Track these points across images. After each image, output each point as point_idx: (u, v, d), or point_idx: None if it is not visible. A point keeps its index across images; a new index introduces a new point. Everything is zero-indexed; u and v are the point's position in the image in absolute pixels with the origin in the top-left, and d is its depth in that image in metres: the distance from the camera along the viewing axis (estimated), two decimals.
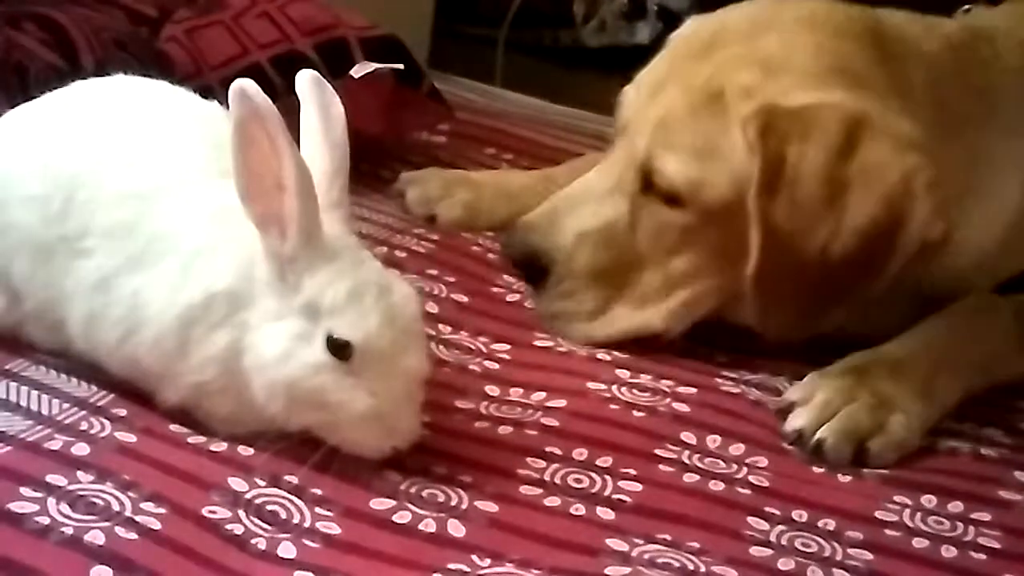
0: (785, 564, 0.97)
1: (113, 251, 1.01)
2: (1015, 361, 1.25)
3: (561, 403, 1.13)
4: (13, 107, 1.14)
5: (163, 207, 1.01)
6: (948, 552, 1.01)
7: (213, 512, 0.93)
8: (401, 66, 1.55)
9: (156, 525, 0.90)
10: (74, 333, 1.04)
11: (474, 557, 0.93)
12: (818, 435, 1.12)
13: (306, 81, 1.05)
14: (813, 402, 1.14)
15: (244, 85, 0.95)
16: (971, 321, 1.24)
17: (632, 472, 1.05)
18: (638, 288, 1.25)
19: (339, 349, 0.96)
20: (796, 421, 1.13)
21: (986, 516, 1.06)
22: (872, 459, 1.11)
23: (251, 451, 0.99)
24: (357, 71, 1.52)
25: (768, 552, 0.98)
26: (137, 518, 0.90)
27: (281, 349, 0.96)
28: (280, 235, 0.96)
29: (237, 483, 0.96)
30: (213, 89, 1.44)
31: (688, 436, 1.11)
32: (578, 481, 1.03)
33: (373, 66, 1.53)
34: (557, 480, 1.03)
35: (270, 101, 0.95)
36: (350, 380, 0.96)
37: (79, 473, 0.94)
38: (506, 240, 1.31)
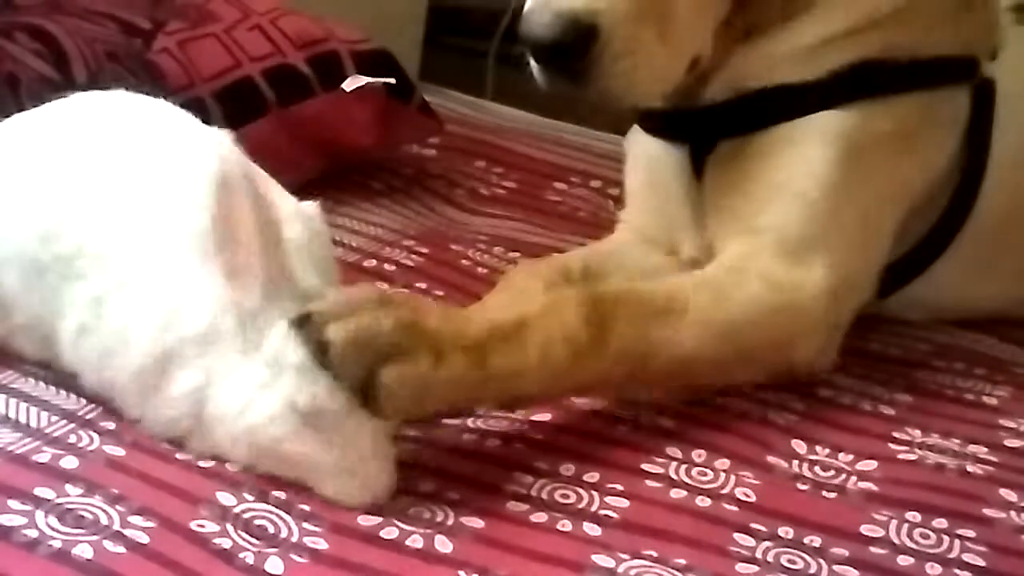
0: None
1: (104, 274, 1.01)
2: (588, 366, 1.09)
3: (546, 417, 1.13)
4: (5, 117, 1.14)
5: (151, 236, 1.01)
6: (933, 569, 1.01)
7: (201, 526, 0.93)
8: (392, 80, 1.56)
9: (144, 539, 0.90)
10: (63, 348, 1.04)
11: (461, 573, 0.93)
12: (327, 334, 0.95)
13: None
14: (335, 300, 0.98)
15: (227, 178, 0.95)
16: (541, 323, 1.07)
17: (619, 487, 1.05)
18: (677, 19, 1.18)
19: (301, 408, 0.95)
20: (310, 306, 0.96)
21: (971, 533, 1.06)
22: (381, 390, 0.95)
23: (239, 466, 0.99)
24: (348, 84, 1.53)
25: (754, 569, 0.98)
26: (125, 532, 0.91)
27: (241, 402, 0.96)
28: (243, 288, 0.96)
29: (225, 497, 0.96)
30: (205, 101, 1.45)
31: (674, 451, 1.11)
32: (565, 496, 1.03)
33: (364, 80, 1.53)
34: (544, 496, 1.03)
35: (250, 190, 0.96)
36: (313, 434, 0.96)
37: (67, 486, 0.94)
38: (531, 26, 1.15)
